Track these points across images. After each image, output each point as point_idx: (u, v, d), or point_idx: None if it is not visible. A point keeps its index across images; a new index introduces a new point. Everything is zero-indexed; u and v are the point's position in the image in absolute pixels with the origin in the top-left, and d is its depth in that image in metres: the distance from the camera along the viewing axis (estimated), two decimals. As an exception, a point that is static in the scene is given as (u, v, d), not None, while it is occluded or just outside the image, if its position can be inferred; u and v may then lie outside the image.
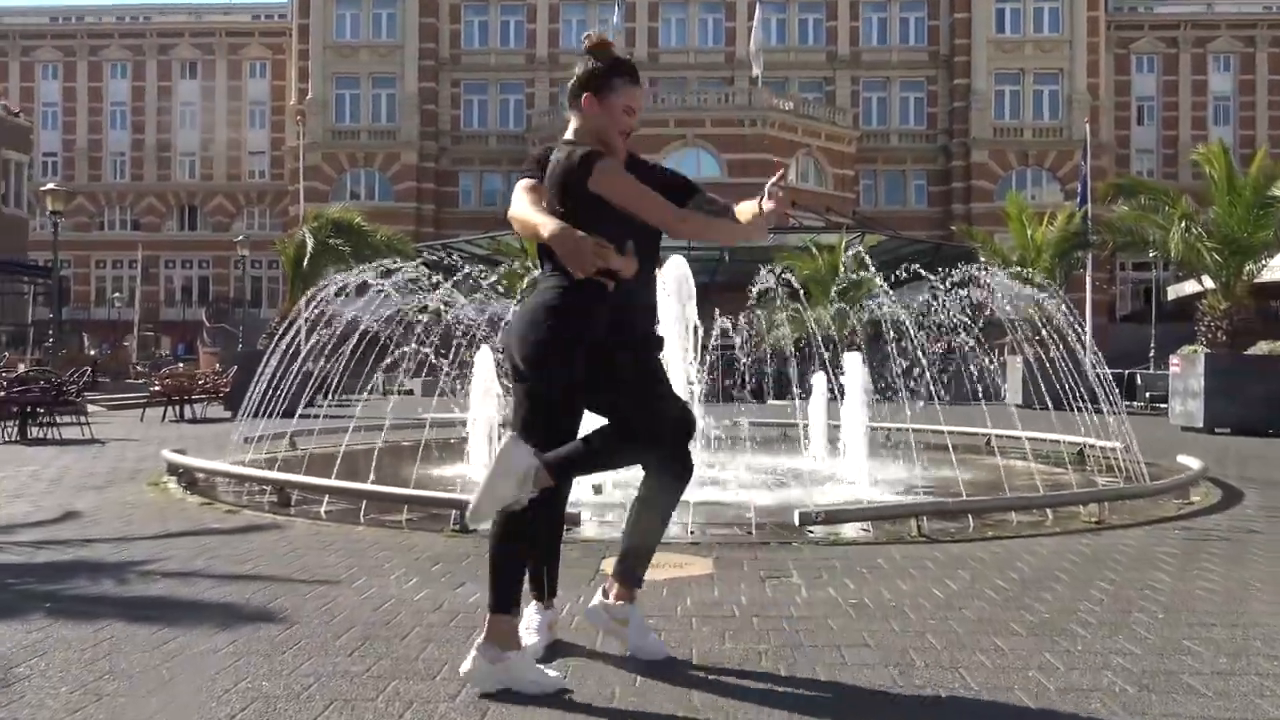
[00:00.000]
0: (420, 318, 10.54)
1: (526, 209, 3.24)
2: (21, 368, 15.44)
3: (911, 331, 9.51)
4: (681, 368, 9.28)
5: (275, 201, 53.62)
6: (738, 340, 10.91)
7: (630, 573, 3.47)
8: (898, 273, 12.71)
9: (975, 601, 4.34)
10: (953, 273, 10.34)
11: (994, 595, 4.45)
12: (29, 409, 13.05)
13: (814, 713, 2.98)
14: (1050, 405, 11.23)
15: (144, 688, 3.14)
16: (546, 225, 3.08)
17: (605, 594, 3.50)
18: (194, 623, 3.90)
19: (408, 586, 4.59)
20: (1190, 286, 22.10)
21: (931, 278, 10.35)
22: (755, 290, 10.24)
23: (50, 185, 24.26)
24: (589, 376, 3.14)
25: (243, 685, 3.16)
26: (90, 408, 19.48)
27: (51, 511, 6.88)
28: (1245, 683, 3.24)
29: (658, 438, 3.27)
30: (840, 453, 9.50)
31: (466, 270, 11.89)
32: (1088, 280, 25.66)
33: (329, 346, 11.16)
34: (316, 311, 10.84)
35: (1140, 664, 3.43)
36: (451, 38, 49.61)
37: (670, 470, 3.36)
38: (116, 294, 52.77)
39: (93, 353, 34.00)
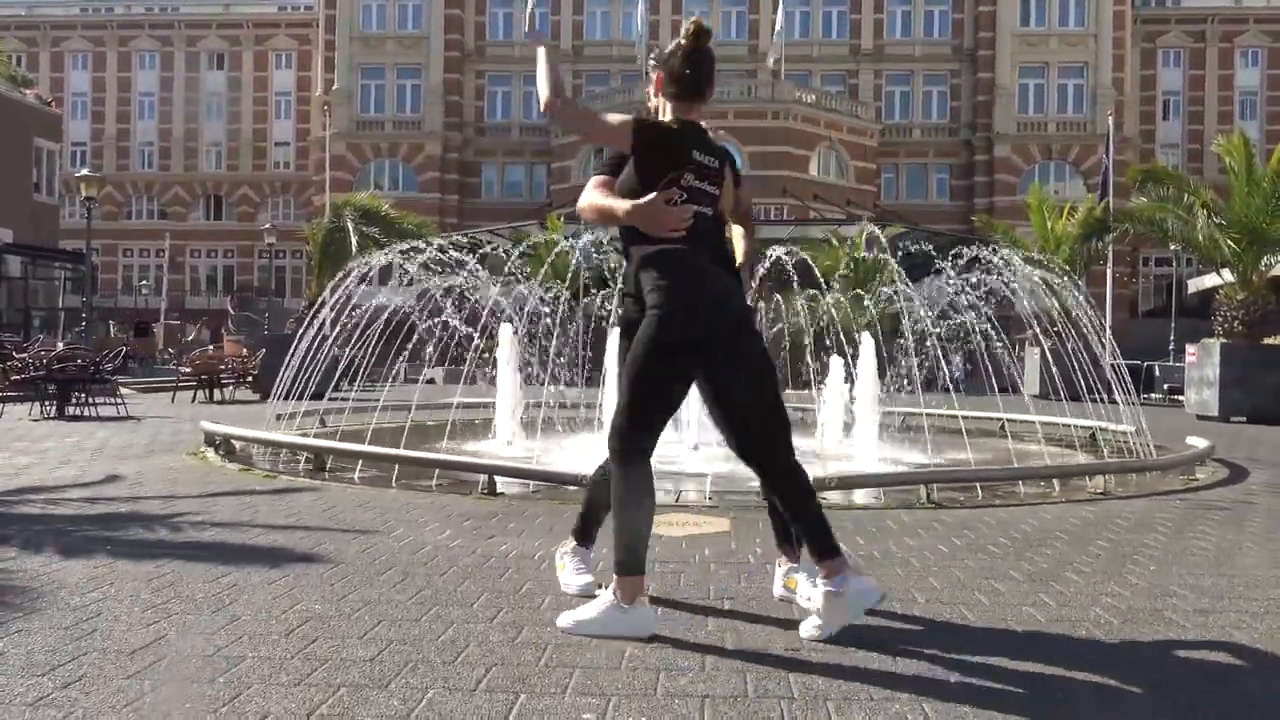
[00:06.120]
0: (445, 302, 10.82)
1: (601, 198, 3.33)
2: (60, 346, 15.86)
3: (929, 327, 9.69)
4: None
5: (300, 191, 54.12)
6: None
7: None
8: (908, 245, 12.80)
9: (978, 555, 4.59)
10: (964, 254, 10.52)
11: (996, 550, 4.70)
12: (67, 386, 13.42)
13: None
14: (1066, 396, 11.42)
15: (208, 609, 3.44)
16: (622, 204, 3.21)
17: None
18: (247, 561, 4.21)
19: (442, 537, 4.88)
20: (1210, 280, 22.12)
21: (943, 262, 10.52)
22: (765, 267, 10.38)
23: (84, 172, 24.73)
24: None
25: (298, 608, 3.46)
26: (122, 390, 19.93)
27: (97, 475, 7.22)
28: (1223, 618, 3.48)
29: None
30: (853, 435, 9.71)
31: (492, 246, 12.16)
32: (1108, 274, 25.70)
33: (356, 331, 11.47)
34: (343, 296, 11.13)
35: (1127, 603, 3.67)
36: (476, 29, 49.91)
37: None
38: (143, 282, 53.44)
39: (123, 336, 34.52)
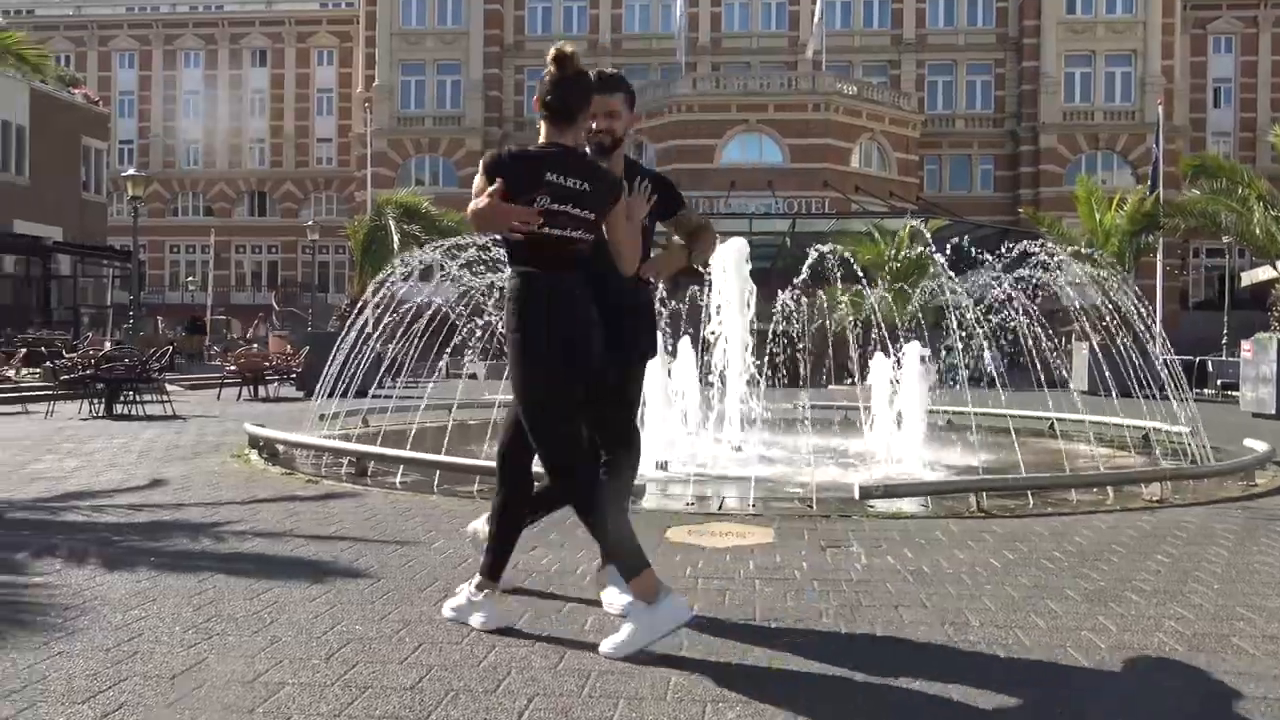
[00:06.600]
0: (487, 299, 10.79)
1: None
2: (108, 345, 16.06)
3: (973, 321, 9.49)
4: (740, 352, 9.43)
5: (342, 187, 54.58)
6: (796, 322, 10.95)
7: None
8: (957, 242, 12.59)
9: (1031, 570, 4.45)
10: (1012, 250, 10.30)
11: (1050, 565, 4.56)
12: (115, 386, 13.59)
13: (871, 665, 3.13)
14: (1116, 392, 11.16)
15: (249, 629, 3.41)
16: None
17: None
18: (288, 576, 4.18)
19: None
20: (1264, 273, 21.59)
21: (989, 256, 10.31)
22: (809, 265, 10.16)
23: (130, 171, 25.06)
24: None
25: (339, 628, 3.41)
26: (169, 387, 20.20)
27: (143, 479, 7.26)
28: (1296, 646, 3.33)
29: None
30: (900, 436, 9.54)
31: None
32: (1158, 266, 25.18)
33: (398, 329, 11.46)
34: (386, 295, 11.13)
35: (1192, 628, 3.53)
36: (515, 24, 50.00)
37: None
38: (190, 278, 54.19)
39: (171, 333, 34.98)
